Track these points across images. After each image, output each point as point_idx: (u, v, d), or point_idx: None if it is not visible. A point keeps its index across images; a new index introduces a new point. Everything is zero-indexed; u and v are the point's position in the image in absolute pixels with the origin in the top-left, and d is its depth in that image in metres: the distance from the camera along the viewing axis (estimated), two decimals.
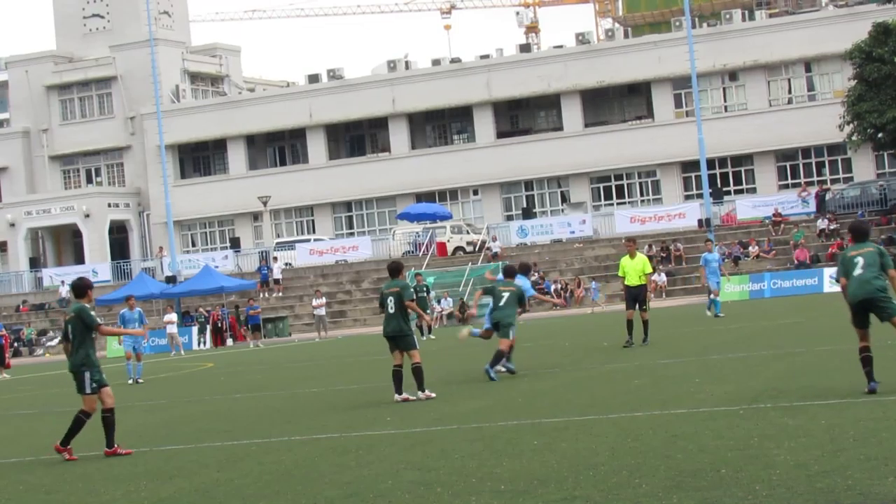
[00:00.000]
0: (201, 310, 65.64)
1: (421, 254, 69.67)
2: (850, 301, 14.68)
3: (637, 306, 26.93)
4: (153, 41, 71.79)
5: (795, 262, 60.76)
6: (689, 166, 73.47)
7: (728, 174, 75.55)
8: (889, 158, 71.03)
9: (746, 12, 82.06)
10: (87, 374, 15.46)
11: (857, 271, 14.56)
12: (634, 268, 26.95)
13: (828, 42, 71.90)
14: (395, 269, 19.68)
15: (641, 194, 77.71)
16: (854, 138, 63.54)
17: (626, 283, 27.20)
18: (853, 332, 14.77)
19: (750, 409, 13.99)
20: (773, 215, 66.60)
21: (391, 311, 19.07)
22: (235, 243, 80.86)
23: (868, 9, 72.40)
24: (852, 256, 14.73)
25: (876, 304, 14.54)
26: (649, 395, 16.91)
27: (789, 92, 75.72)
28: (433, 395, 19.18)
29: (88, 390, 15.44)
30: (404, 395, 19.14)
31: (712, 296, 38.56)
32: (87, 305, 15.78)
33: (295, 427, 17.07)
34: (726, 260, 60.37)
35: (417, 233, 72.46)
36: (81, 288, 16.04)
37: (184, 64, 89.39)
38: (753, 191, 74.49)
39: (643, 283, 26.99)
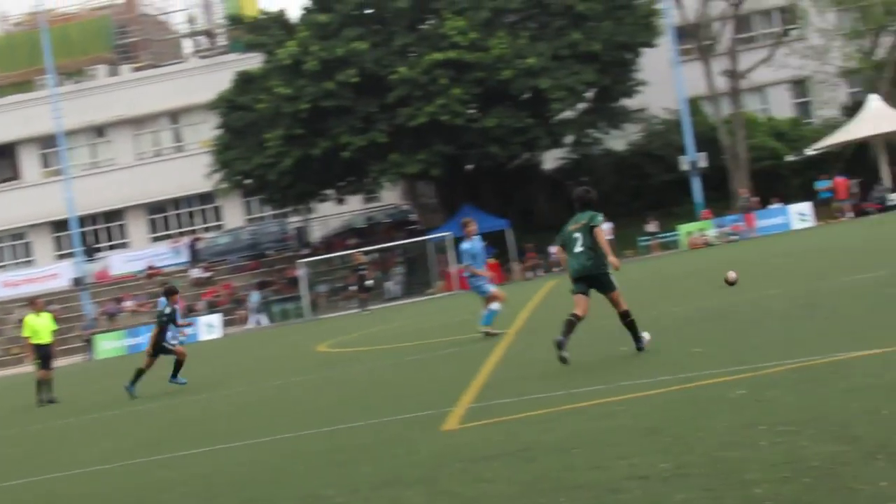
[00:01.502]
0: None
1: None
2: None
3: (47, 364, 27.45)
4: None
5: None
6: (60, 225, 72.07)
7: (100, 231, 74.81)
8: (257, 204, 72.90)
9: (111, 68, 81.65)
10: None
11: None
12: (44, 326, 27.61)
13: (193, 93, 72.92)
14: None
15: (14, 258, 75.27)
16: (223, 186, 64.80)
17: (33, 341, 27.63)
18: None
19: (127, 465, 13.69)
20: (148, 268, 66.76)
21: None
22: None
23: (231, 58, 73.76)
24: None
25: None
26: (27, 459, 16.21)
27: (157, 145, 76.19)
28: None
29: None
30: None
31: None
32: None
33: None
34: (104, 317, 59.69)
35: None
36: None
37: None
38: (126, 245, 74.19)
39: (52, 340, 27.95)
